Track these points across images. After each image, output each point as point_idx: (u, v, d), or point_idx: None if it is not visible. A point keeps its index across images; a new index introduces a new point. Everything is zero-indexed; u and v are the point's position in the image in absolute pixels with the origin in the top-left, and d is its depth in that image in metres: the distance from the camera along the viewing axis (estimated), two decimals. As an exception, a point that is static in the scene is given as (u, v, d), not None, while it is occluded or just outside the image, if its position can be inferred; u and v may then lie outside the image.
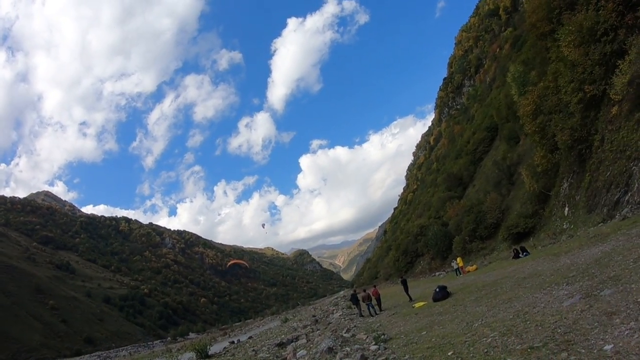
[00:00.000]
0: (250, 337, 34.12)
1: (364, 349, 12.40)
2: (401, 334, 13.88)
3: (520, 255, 27.25)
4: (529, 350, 7.03)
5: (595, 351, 6.30)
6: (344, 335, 15.91)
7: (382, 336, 13.89)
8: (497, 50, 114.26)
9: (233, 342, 31.52)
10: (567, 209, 31.06)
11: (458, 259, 39.22)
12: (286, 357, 15.09)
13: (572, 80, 27.87)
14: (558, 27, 30.44)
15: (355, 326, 20.43)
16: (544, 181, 37.67)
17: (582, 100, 27.40)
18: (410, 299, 26.97)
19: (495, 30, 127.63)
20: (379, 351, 11.67)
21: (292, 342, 19.26)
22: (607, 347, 6.25)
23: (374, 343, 13.13)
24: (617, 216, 20.78)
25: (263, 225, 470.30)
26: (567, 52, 27.75)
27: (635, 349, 5.82)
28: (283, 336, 23.13)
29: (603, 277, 9.92)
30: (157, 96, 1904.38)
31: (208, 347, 21.70)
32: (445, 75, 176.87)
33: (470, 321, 11.53)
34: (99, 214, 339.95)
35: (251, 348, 21.04)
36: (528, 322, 8.58)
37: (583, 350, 6.43)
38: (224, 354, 21.86)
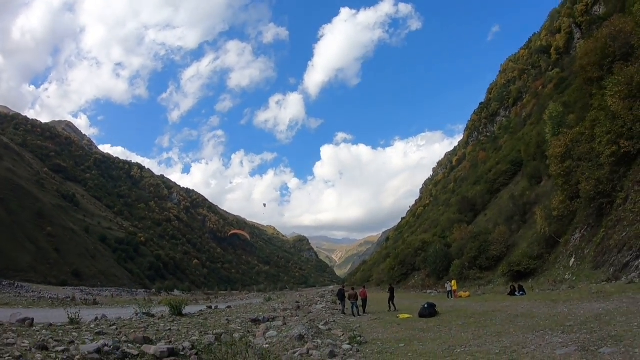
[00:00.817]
0: (229, 307, 34.17)
1: (336, 345, 12.11)
2: (378, 340, 13.55)
3: (516, 293, 26.96)
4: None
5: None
6: (320, 327, 15.54)
7: (359, 338, 13.60)
8: (540, 87, 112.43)
9: (210, 307, 31.63)
10: (573, 259, 30.56)
11: (453, 282, 38.99)
12: (256, 334, 14.93)
13: (610, 131, 27.26)
14: (607, 75, 29.80)
15: (334, 321, 20.35)
16: (556, 226, 37.09)
17: (615, 153, 26.79)
18: (394, 308, 26.77)
19: (542, 67, 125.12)
20: (351, 352, 11.32)
21: (267, 321, 19.28)
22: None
23: (347, 342, 12.79)
24: (623, 278, 20.32)
25: (264, 205, 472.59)
26: (610, 102, 27.14)
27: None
28: (261, 314, 23.13)
29: (603, 334, 9.48)
30: (197, 54, 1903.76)
31: (183, 305, 21.81)
32: (483, 100, 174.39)
33: (453, 345, 11.19)
34: (115, 155, 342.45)
35: (226, 317, 21.06)
36: (516, 362, 8.24)
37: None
38: (197, 316, 21.91)
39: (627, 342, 8.27)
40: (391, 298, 28.12)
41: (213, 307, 31.99)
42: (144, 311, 20.00)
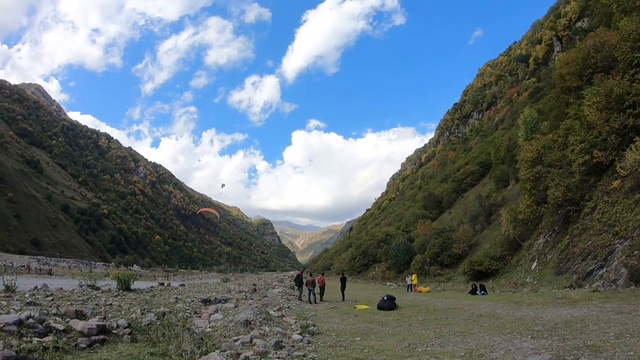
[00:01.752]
0: (182, 285, 33.09)
1: (285, 334, 11.20)
2: (332, 332, 12.77)
3: (477, 292, 26.89)
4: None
5: None
6: (272, 312, 14.50)
7: (312, 327, 12.81)
8: (515, 94, 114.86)
9: (162, 284, 30.47)
10: (535, 264, 30.74)
11: (413, 276, 39.02)
12: (201, 315, 14.04)
13: (584, 141, 27.39)
14: (586, 86, 29.87)
15: (288, 307, 19.59)
16: (521, 230, 37.38)
17: (587, 163, 26.92)
18: (343, 298, 26.35)
19: (519, 76, 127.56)
20: (300, 343, 10.36)
21: (219, 302, 18.39)
22: None
23: (298, 332, 11.91)
24: (586, 287, 20.29)
25: (223, 185, 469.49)
26: (587, 112, 27.15)
27: None
28: (214, 294, 22.17)
29: (577, 343, 8.90)
30: (176, 27, 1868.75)
31: (132, 280, 20.72)
32: (457, 102, 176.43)
33: (414, 343, 10.40)
34: (84, 123, 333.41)
35: (175, 295, 20.05)
36: (485, 369, 7.51)
37: None
38: (146, 292, 20.86)
39: (607, 355, 7.69)
40: (343, 287, 27.65)
41: (165, 284, 30.73)
42: (89, 283, 18.80)
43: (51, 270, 54.58)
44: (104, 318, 10.97)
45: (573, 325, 11.18)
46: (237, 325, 10.95)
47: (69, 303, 12.69)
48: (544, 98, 66.84)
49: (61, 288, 17.78)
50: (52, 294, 14.39)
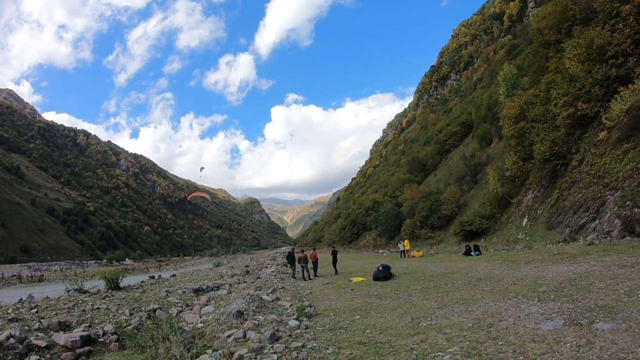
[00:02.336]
0: (173, 275, 32.44)
1: (281, 322, 10.58)
2: (330, 311, 12.29)
3: (471, 253, 26.83)
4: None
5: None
6: (265, 297, 13.82)
7: (308, 309, 12.26)
8: (491, 53, 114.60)
9: (153, 277, 29.76)
10: (525, 220, 30.90)
11: (405, 242, 38.95)
12: (192, 308, 13.46)
13: (567, 94, 27.15)
14: (566, 38, 29.55)
15: (283, 287, 19.11)
16: (509, 187, 37.54)
17: (571, 116, 26.74)
18: (336, 272, 26.07)
19: (495, 34, 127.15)
20: (297, 331, 9.78)
21: (211, 290, 17.92)
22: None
23: (295, 316, 11.36)
24: (580, 240, 20.32)
25: (202, 169, 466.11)
26: (569, 65, 26.88)
27: None
28: (206, 281, 21.61)
29: (588, 304, 8.50)
30: (144, 14, 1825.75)
31: (120, 278, 20.02)
32: (434, 64, 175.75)
33: (417, 317, 9.90)
34: (60, 122, 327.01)
35: (166, 288, 19.52)
36: (499, 342, 6.89)
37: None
38: (136, 288, 20.30)
39: (624, 316, 7.28)
40: (334, 261, 27.35)
41: (156, 277, 30.01)
42: (76, 287, 18.16)
43: (42, 276, 53.61)
44: (89, 326, 10.33)
45: (578, 284, 10.87)
46: (229, 318, 10.21)
47: (53, 313, 12.00)
48: (522, 54, 66.63)
49: (47, 297, 17.03)
50: (37, 305, 13.65)
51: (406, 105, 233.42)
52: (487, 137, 60.76)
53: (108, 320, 11.33)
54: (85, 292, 17.90)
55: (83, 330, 9.66)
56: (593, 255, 15.40)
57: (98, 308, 13.21)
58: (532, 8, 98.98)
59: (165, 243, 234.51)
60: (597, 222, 21.10)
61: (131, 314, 12.17)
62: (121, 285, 19.95)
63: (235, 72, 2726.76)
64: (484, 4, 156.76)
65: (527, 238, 27.81)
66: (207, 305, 13.51)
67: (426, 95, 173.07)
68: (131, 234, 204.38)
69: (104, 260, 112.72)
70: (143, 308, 13.06)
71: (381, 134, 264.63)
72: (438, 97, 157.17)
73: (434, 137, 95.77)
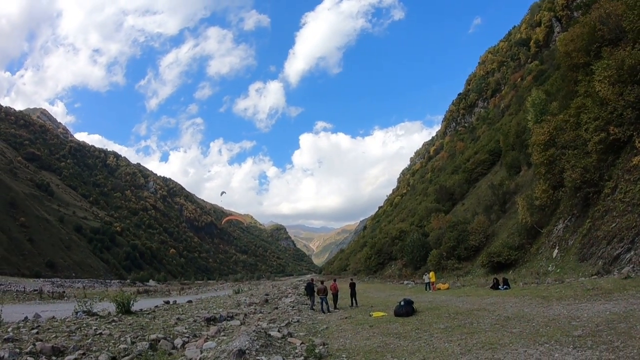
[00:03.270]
0: (189, 301, 31.71)
1: None
2: (344, 351, 11.21)
3: (499, 287, 25.49)
4: None
5: None
6: (273, 334, 12.70)
7: (320, 348, 11.27)
8: (519, 79, 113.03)
9: (167, 302, 29.09)
10: (556, 251, 29.41)
11: (431, 274, 37.70)
12: (198, 341, 12.31)
13: (598, 118, 26.00)
14: (595, 60, 28.56)
15: (298, 321, 18.18)
16: (538, 216, 36.09)
17: (603, 141, 25.50)
18: (355, 304, 25.04)
19: (522, 60, 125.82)
20: None
21: (225, 319, 17.19)
22: None
23: (302, 357, 10.40)
24: (615, 272, 18.97)
25: (223, 193, 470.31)
26: (599, 88, 25.81)
27: None
28: (221, 310, 20.97)
29: (631, 354, 7.36)
30: (177, 40, 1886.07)
31: (132, 302, 19.33)
32: (461, 91, 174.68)
33: None
34: (91, 143, 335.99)
35: (178, 315, 18.78)
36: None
37: None
38: (148, 313, 19.62)
39: None
40: (352, 294, 26.07)
41: (171, 302, 29.36)
42: (84, 309, 17.64)
43: (64, 292, 54.06)
44: (84, 354, 9.78)
45: (617, 326, 9.71)
46: (230, 357, 9.25)
47: (53, 336, 11.54)
48: (550, 79, 65.33)
49: (53, 317, 16.69)
50: (39, 326, 13.26)
51: (434, 134, 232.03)
52: (516, 165, 59.23)
53: (107, 349, 10.75)
54: (93, 314, 17.44)
55: (76, 358, 9.08)
56: (630, 290, 14.12)
57: (101, 333, 12.68)
58: (558, 33, 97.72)
59: (190, 266, 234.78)
60: (632, 253, 19.64)
61: (133, 343, 11.61)
62: (132, 309, 19.40)
63: (265, 99, 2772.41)
64: (510, 30, 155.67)
65: (558, 270, 26.30)
66: (213, 338, 12.69)
67: (454, 124, 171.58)
68: (157, 256, 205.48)
69: (128, 280, 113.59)
70: (147, 337, 12.40)
71: (409, 162, 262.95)
72: (466, 124, 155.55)
73: (462, 166, 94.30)
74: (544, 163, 32.58)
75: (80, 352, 9.91)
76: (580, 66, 32.90)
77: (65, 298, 42.49)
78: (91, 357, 9.67)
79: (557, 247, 29.73)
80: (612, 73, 24.96)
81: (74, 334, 12.18)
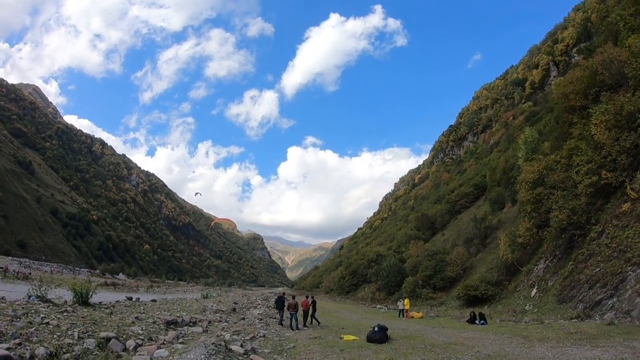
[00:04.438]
0: (153, 300, 30.30)
1: None
2: None
3: (476, 321, 24.84)
4: None
5: None
6: (235, 348, 11.41)
7: None
8: (510, 118, 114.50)
9: (130, 299, 27.62)
10: (535, 290, 28.90)
11: (406, 300, 36.94)
12: (151, 345, 11.01)
13: (591, 161, 25.87)
14: (593, 104, 28.59)
15: (264, 336, 17.21)
16: (519, 254, 35.70)
17: (594, 184, 25.28)
18: (317, 323, 24.48)
19: (515, 99, 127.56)
20: None
21: (186, 325, 16.15)
22: None
23: None
24: (596, 317, 18.45)
25: (197, 194, 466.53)
26: (595, 132, 25.80)
27: None
28: (185, 314, 19.67)
29: None
30: (179, 37, 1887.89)
31: (91, 293, 18.03)
32: (452, 123, 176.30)
33: None
34: (79, 127, 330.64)
35: (138, 314, 17.60)
36: None
37: None
38: (105, 308, 18.37)
39: None
40: (312, 312, 25.08)
41: (133, 299, 27.92)
42: (38, 294, 16.44)
43: (30, 274, 52.41)
44: (20, 343, 8.70)
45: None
46: None
47: (-5, 319, 10.48)
48: (543, 120, 65.94)
49: (3, 297, 15.50)
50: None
51: (421, 162, 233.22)
52: (500, 200, 59.15)
53: (48, 341, 9.64)
54: (47, 301, 16.21)
55: (7, 348, 8.04)
56: (617, 338, 13.49)
57: (48, 323, 11.42)
58: (554, 77, 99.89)
59: (162, 264, 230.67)
60: (615, 299, 19.19)
61: (80, 338, 10.46)
62: (91, 301, 18.16)
63: (258, 108, 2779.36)
64: (507, 69, 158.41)
65: (536, 310, 25.76)
66: (170, 344, 11.54)
67: (442, 154, 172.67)
68: (130, 250, 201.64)
69: (98, 271, 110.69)
70: (97, 334, 11.27)
71: (393, 187, 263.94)
72: (453, 156, 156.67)
73: (446, 196, 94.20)
74: (530, 201, 32.28)
75: (17, 341, 8.78)
76: (576, 109, 33.00)
77: (30, 280, 40.89)
78: (27, 349, 8.61)
79: (536, 287, 29.23)
80: (610, 118, 24.99)
81: (18, 319, 11.01)
